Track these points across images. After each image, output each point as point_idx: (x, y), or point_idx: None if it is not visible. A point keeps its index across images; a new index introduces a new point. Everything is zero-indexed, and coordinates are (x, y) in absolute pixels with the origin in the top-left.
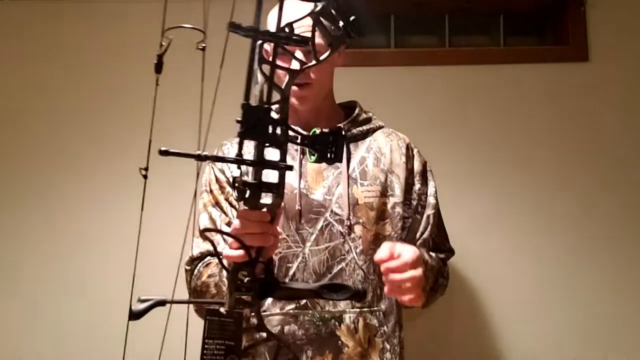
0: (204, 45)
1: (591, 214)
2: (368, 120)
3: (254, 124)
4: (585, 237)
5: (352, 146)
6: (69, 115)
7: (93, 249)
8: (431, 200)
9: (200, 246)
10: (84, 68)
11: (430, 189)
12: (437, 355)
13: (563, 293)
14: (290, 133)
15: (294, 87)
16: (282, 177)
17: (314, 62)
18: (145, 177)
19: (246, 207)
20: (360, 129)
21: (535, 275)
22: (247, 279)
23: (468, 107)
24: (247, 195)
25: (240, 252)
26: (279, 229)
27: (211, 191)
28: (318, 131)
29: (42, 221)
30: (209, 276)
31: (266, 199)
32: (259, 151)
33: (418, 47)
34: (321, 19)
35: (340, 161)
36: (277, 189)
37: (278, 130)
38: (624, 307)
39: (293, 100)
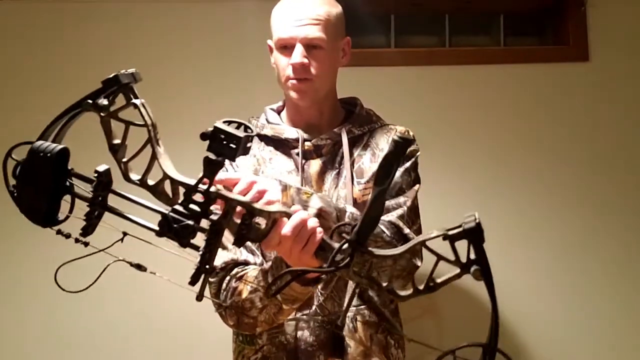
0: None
1: (591, 213)
2: (369, 119)
3: (178, 234)
4: (585, 235)
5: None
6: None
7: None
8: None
9: (222, 256)
10: (83, 68)
11: (401, 169)
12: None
13: (564, 292)
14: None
15: (294, 81)
16: (247, 209)
17: None
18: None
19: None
20: (361, 128)
21: (534, 274)
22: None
23: (468, 107)
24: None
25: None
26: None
27: None
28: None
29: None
30: (251, 292)
31: (261, 223)
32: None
33: (418, 47)
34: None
35: (245, 138)
36: (252, 216)
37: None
38: (626, 309)
39: (293, 94)
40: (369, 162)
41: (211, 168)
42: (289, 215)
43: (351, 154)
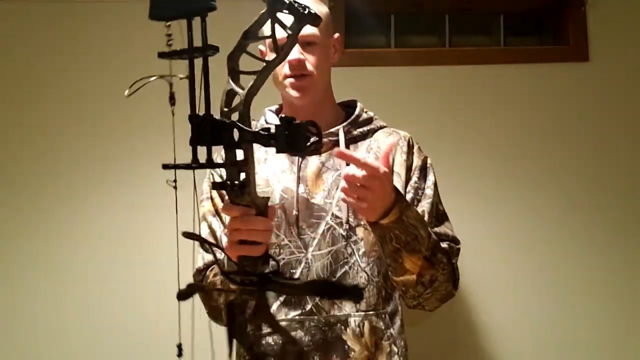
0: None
1: (591, 214)
2: (369, 121)
3: (198, 131)
4: (585, 238)
5: (351, 147)
6: (72, 116)
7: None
8: (427, 192)
9: (205, 257)
10: (85, 68)
11: (428, 182)
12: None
13: (567, 295)
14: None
15: (292, 79)
16: (247, 176)
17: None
18: (175, 187)
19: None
20: (361, 130)
21: (537, 278)
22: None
23: (468, 107)
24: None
25: (259, 246)
26: (282, 235)
27: (212, 198)
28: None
29: (43, 221)
30: (215, 275)
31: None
32: (208, 153)
33: (418, 47)
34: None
35: (302, 151)
36: (242, 187)
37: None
38: (630, 310)
39: (292, 92)
40: None
41: (282, 140)
42: (261, 212)
43: None
